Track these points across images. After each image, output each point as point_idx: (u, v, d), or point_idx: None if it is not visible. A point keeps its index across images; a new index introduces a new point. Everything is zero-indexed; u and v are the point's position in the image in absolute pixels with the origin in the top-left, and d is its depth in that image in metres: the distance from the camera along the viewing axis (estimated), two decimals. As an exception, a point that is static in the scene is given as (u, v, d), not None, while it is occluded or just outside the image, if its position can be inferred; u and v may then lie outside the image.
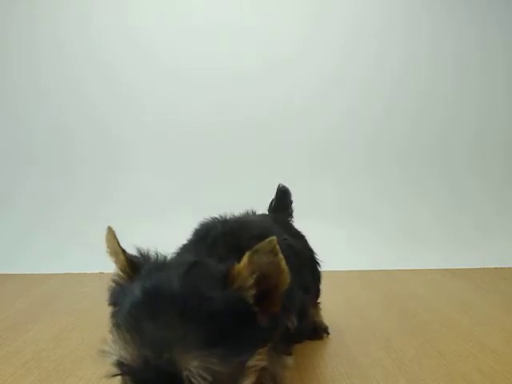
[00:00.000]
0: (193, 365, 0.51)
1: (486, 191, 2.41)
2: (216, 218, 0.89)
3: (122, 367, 0.54)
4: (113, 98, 2.34)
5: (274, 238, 0.59)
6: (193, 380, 0.51)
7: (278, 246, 0.59)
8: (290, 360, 0.81)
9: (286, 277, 0.61)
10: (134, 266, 0.63)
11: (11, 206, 2.27)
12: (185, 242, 0.86)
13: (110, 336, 0.56)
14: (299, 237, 1.05)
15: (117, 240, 0.65)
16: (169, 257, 0.68)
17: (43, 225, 2.21)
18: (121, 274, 0.64)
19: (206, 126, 2.32)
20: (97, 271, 1.87)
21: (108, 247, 0.66)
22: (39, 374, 0.93)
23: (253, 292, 0.59)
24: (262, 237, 0.79)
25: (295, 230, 1.06)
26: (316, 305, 1.21)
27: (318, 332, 1.15)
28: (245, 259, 0.59)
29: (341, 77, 2.39)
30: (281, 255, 0.60)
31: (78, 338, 1.15)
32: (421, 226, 2.30)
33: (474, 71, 2.45)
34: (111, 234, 0.65)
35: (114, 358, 0.54)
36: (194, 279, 0.58)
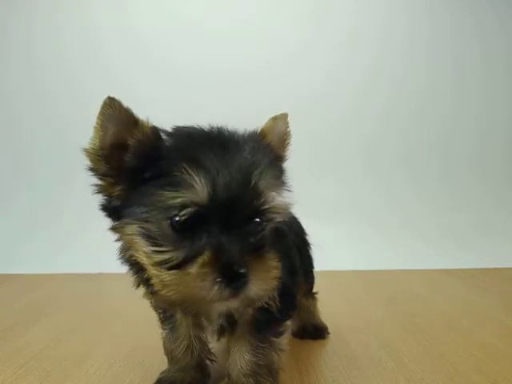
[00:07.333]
0: (273, 197, 0.61)
1: (486, 192, 2.41)
2: None
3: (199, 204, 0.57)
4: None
5: (286, 113, 0.74)
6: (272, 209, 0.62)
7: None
8: (282, 340, 0.80)
9: (287, 152, 0.78)
10: (158, 133, 0.63)
11: (11, 206, 2.27)
12: None
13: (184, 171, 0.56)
14: (291, 217, 1.04)
15: (129, 109, 0.62)
16: None
17: (43, 225, 2.21)
18: (142, 139, 0.61)
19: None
20: (97, 271, 1.87)
21: (114, 119, 0.62)
22: (39, 374, 0.93)
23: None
24: None
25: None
26: (312, 295, 1.17)
27: (320, 332, 1.15)
28: (269, 121, 0.73)
29: (341, 77, 2.39)
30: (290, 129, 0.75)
31: (78, 338, 1.15)
32: (421, 226, 2.30)
33: (474, 71, 2.45)
34: (118, 104, 0.62)
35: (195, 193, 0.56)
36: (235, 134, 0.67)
